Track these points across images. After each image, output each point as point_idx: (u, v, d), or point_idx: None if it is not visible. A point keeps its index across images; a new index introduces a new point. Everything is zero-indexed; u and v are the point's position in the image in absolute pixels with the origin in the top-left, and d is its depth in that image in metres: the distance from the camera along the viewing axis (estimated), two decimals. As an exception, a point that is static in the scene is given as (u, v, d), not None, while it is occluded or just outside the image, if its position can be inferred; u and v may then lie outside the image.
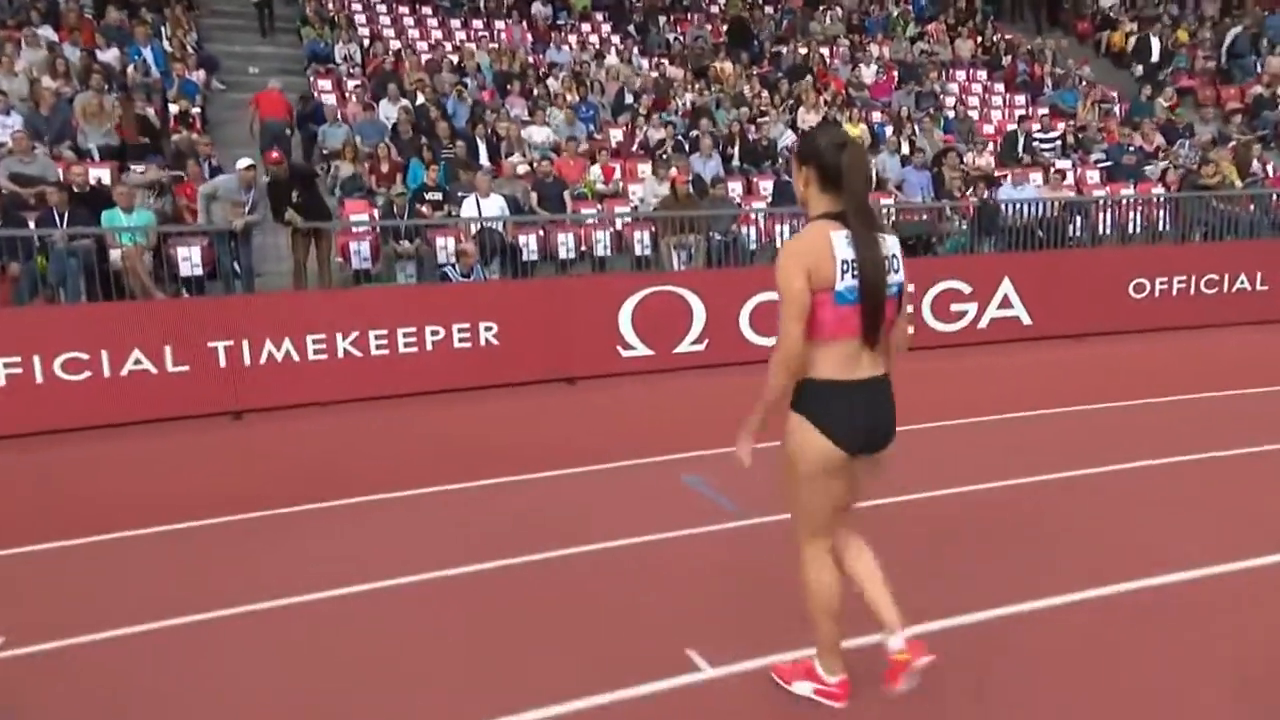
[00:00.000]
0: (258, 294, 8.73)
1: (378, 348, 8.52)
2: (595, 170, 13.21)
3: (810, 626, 3.33)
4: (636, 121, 15.08)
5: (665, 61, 17.48)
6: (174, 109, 13.93)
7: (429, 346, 8.66)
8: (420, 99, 14.81)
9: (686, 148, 14.17)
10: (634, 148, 14.51)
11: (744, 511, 5.39)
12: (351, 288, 10.03)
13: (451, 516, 5.63)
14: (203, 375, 8.04)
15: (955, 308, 9.92)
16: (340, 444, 7.33)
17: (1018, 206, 12.10)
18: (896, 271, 3.02)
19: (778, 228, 12.31)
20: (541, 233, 12.04)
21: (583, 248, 12.15)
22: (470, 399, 8.53)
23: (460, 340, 8.74)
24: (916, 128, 14.71)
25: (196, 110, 13.96)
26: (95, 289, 9.50)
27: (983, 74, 18.25)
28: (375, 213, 12.20)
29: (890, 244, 3.01)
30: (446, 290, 9.26)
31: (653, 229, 12.30)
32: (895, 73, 17.35)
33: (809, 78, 16.37)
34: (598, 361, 9.08)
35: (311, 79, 15.80)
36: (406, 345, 8.60)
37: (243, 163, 10.16)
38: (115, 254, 10.08)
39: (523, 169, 13.01)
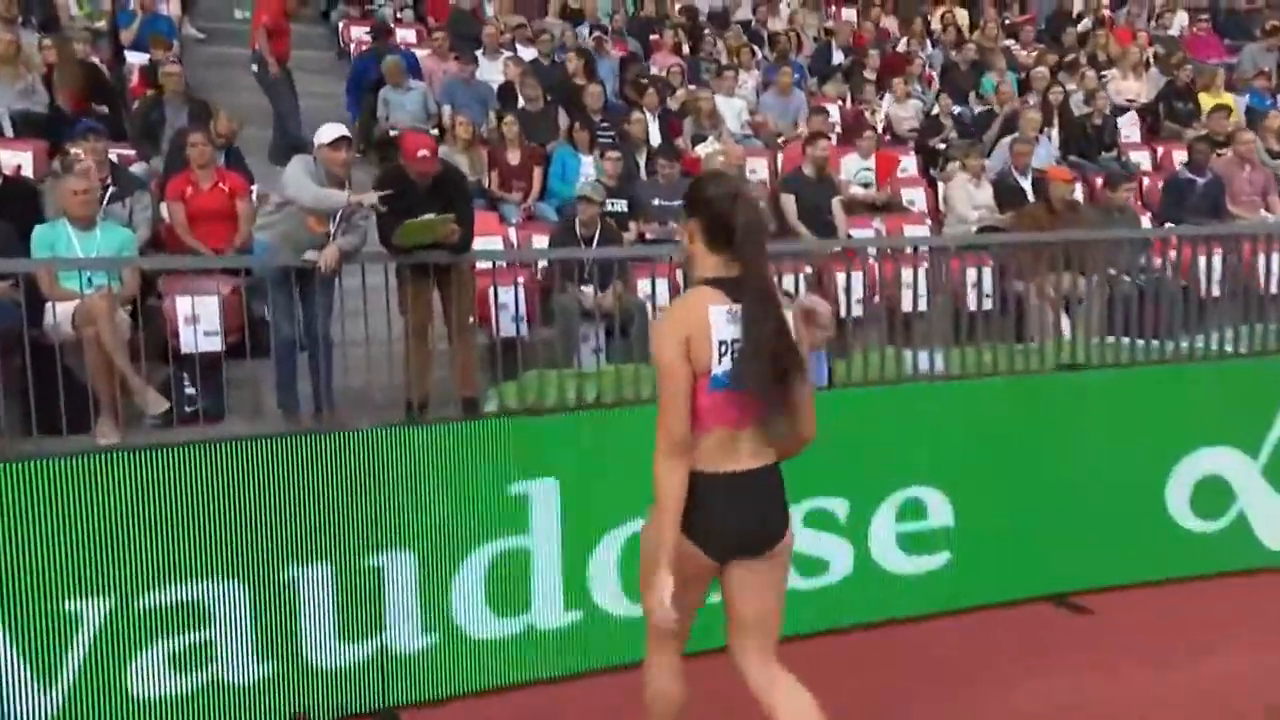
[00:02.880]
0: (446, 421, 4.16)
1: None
2: (863, 164, 8.89)
3: None
4: (860, 91, 10.97)
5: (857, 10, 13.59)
6: (134, 59, 9.90)
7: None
8: (530, 53, 10.61)
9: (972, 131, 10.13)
10: (877, 130, 10.34)
11: None
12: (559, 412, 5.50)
13: None
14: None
15: None
16: None
17: None
18: None
19: (1203, 260, 8.02)
20: (809, 269, 7.69)
21: (875, 298, 7.82)
22: (914, 641, 4.13)
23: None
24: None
25: (174, 62, 9.52)
26: (24, 387, 5.07)
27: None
28: (511, 234, 7.80)
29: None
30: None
31: (990, 264, 7.98)
32: (1208, 23, 13.62)
33: (1099, 31, 12.51)
34: (1126, 559, 4.68)
35: (341, 26, 11.93)
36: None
37: (330, 133, 5.65)
38: (61, 310, 5.62)
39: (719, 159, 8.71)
